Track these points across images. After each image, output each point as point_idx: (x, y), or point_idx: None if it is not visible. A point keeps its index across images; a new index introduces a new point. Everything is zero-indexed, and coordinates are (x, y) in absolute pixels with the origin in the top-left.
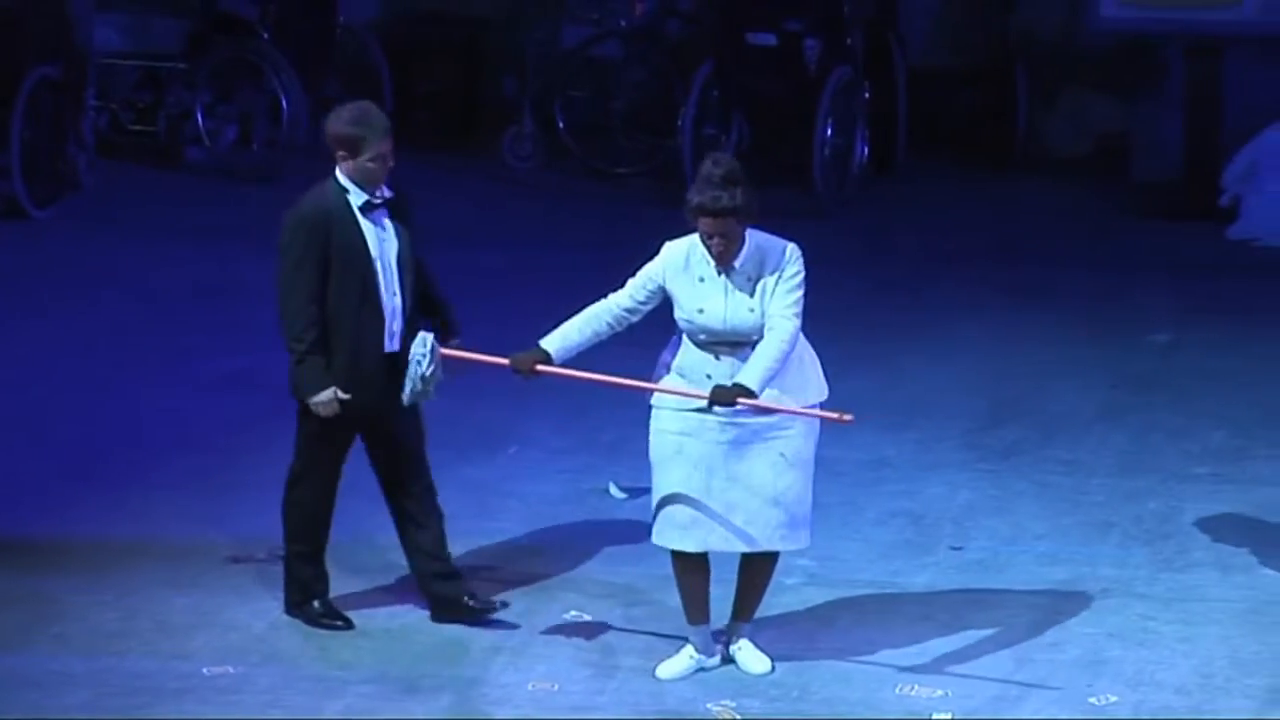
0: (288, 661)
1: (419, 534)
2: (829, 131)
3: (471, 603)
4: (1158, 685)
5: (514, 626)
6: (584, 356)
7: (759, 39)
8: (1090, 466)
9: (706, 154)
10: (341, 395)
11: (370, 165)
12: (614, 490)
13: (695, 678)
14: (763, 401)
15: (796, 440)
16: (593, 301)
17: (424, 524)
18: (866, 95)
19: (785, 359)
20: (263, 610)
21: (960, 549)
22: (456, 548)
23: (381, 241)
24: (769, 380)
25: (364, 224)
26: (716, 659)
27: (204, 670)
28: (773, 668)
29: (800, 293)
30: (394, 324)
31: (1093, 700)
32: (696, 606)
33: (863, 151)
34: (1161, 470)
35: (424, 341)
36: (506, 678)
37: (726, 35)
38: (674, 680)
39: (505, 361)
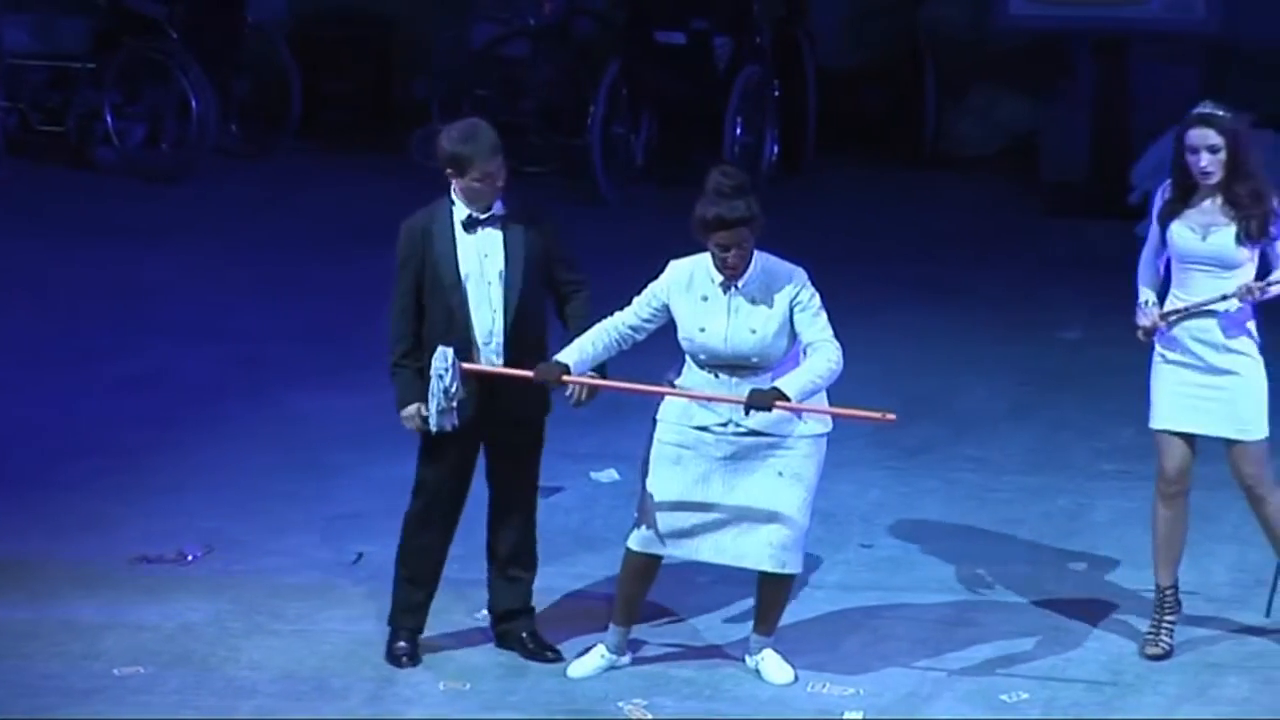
0: (198, 662)
1: (504, 568)
2: (738, 130)
3: (529, 644)
4: (1068, 682)
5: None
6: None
7: (667, 37)
8: (999, 464)
9: (713, 167)
10: (424, 411)
11: (476, 185)
12: None
13: (606, 676)
14: (796, 405)
15: (796, 461)
16: None
17: (510, 560)
18: (776, 93)
19: (830, 379)
20: (173, 611)
21: (870, 546)
22: (367, 546)
23: (482, 259)
24: (810, 394)
25: (462, 239)
26: (628, 658)
27: (114, 671)
28: (795, 678)
29: (825, 316)
30: (491, 343)
31: (1004, 698)
32: (629, 609)
33: (772, 150)
34: (1071, 467)
35: (444, 356)
36: (417, 677)
37: (635, 34)
38: (585, 679)
39: (530, 374)
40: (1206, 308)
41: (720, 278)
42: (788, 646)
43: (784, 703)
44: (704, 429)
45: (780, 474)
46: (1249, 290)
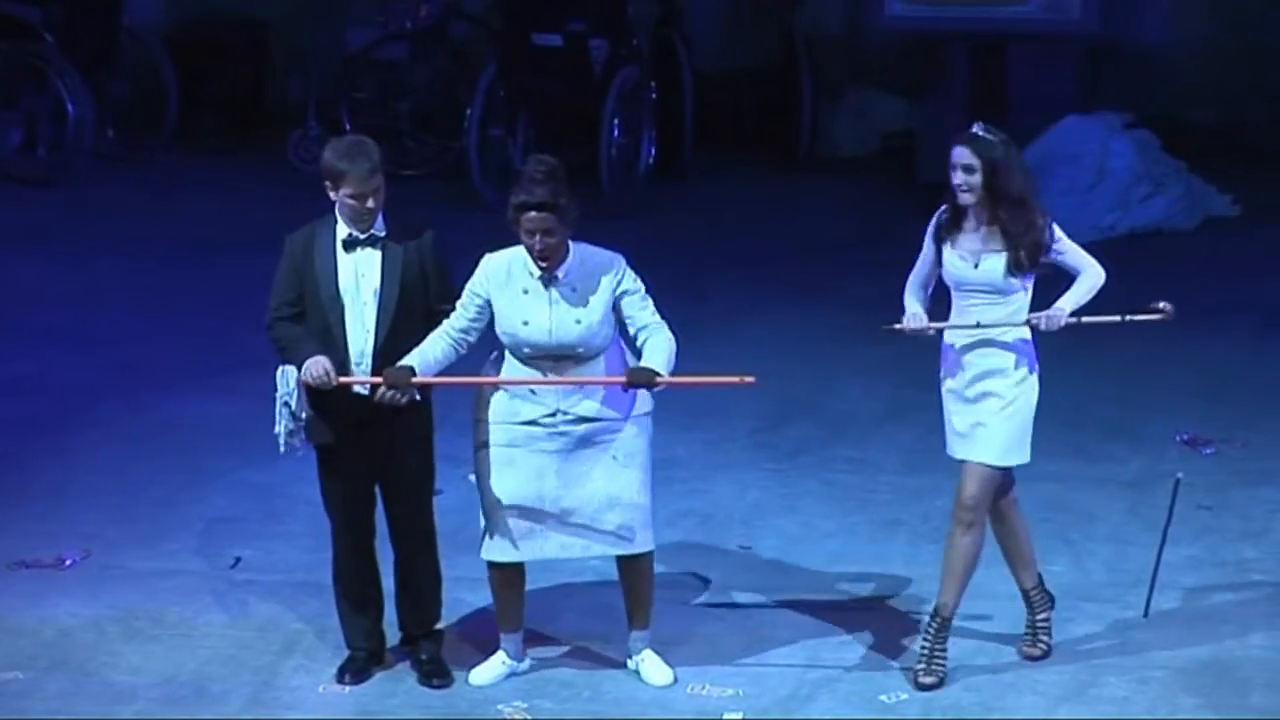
0: (77, 667)
1: (400, 591)
2: (615, 132)
3: (424, 666)
4: (947, 682)
5: (304, 630)
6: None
7: (544, 40)
8: (878, 465)
9: (530, 157)
10: (328, 366)
11: (348, 202)
12: None
13: None
14: (670, 379)
15: (628, 441)
16: None
17: (404, 584)
18: (653, 96)
19: (674, 354)
20: (51, 616)
21: (749, 548)
22: (245, 550)
23: (359, 278)
24: (671, 365)
25: (341, 258)
26: (527, 664)
27: None
28: (675, 679)
29: (651, 300)
30: (362, 363)
31: (883, 698)
32: (510, 615)
33: (650, 152)
34: (948, 468)
35: (286, 380)
36: (297, 680)
37: (512, 36)
38: (487, 686)
39: (380, 380)
40: (989, 328)
41: (539, 270)
42: (666, 648)
43: (664, 704)
44: (532, 423)
45: (615, 458)
46: (1047, 320)
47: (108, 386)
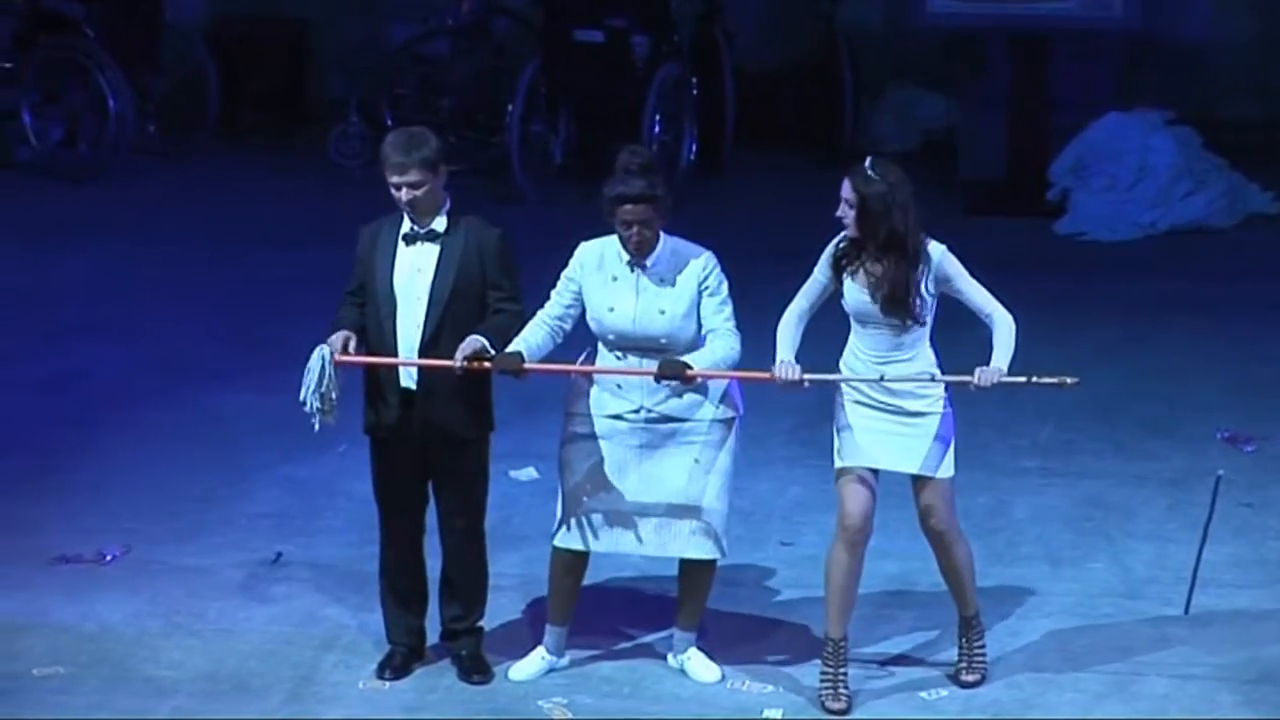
0: (117, 662)
1: (444, 585)
2: (656, 128)
3: (465, 663)
4: (988, 679)
5: (345, 625)
6: None
7: (586, 36)
8: None
9: (623, 149)
10: (352, 346)
11: (393, 191)
12: None
13: None
14: (703, 372)
15: (710, 447)
16: None
17: (448, 579)
18: (694, 92)
19: (729, 363)
20: (92, 612)
21: (790, 544)
22: (286, 545)
23: (415, 273)
24: (717, 368)
25: (401, 252)
26: (566, 660)
27: (34, 671)
28: (722, 676)
29: (730, 305)
30: (412, 357)
31: (923, 695)
32: (564, 607)
33: (691, 148)
34: (990, 465)
35: (321, 356)
36: (337, 676)
37: (554, 32)
38: (527, 681)
39: (488, 365)
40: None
41: (629, 257)
42: (707, 644)
43: (704, 700)
44: (617, 417)
45: (696, 461)
46: (983, 376)
47: (148, 382)
